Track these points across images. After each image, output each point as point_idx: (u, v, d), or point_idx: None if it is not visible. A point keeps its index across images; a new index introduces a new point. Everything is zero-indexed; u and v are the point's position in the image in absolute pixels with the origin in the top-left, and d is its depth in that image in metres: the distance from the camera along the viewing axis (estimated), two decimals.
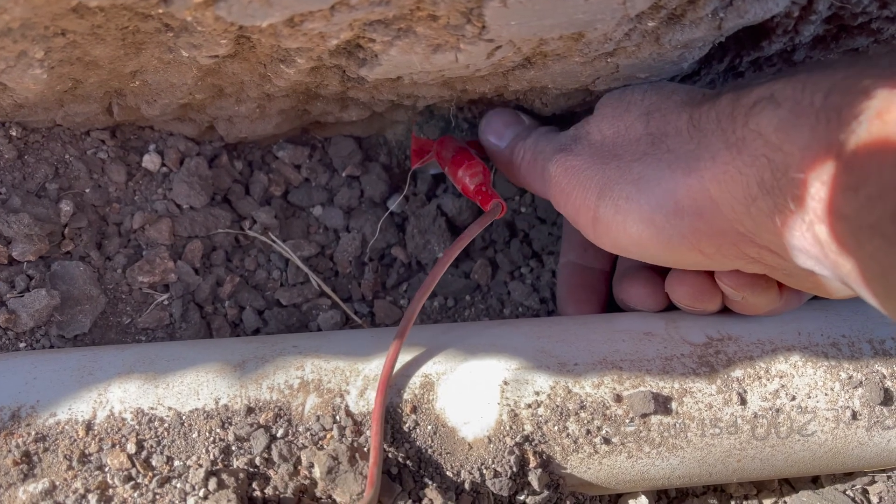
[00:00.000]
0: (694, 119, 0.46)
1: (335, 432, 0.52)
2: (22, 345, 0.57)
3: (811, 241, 0.39)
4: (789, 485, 0.67)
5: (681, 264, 0.52)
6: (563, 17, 0.43)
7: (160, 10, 0.41)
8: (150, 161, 0.67)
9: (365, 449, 0.52)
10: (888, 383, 0.57)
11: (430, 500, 0.51)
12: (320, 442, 0.52)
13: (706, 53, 0.54)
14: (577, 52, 0.50)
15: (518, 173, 0.61)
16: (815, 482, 0.67)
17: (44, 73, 0.48)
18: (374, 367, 0.55)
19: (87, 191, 0.64)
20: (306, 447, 0.52)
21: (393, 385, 0.54)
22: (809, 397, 0.56)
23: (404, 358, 0.56)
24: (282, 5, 0.39)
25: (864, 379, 0.57)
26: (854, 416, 0.56)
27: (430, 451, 0.53)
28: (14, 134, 0.61)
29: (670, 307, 0.61)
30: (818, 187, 0.36)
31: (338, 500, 0.50)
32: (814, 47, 0.58)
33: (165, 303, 0.65)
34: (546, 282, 0.76)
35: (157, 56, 0.51)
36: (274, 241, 0.70)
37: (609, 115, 0.53)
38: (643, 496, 0.60)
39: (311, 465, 0.51)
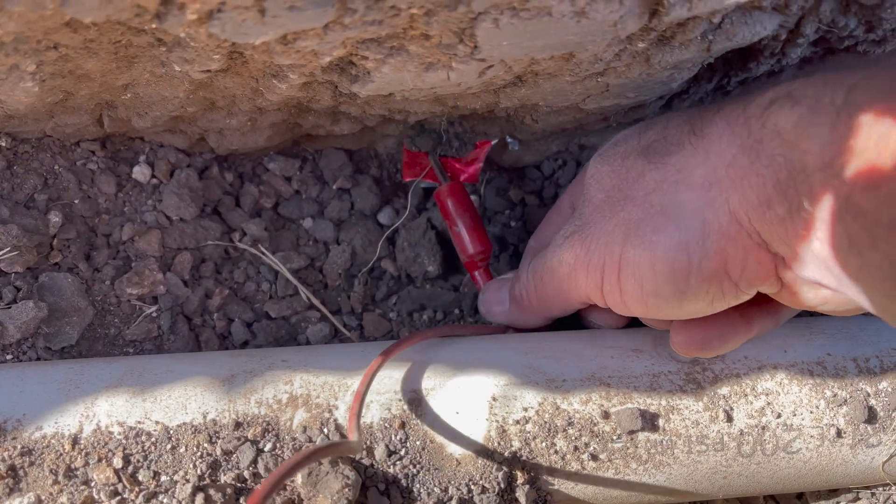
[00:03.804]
0: (696, 128, 0.44)
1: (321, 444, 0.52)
2: (8, 356, 0.57)
3: (823, 244, 0.38)
4: (774, 501, 0.67)
5: (695, 308, 0.47)
6: (554, 39, 0.44)
7: (154, 26, 0.41)
8: (141, 172, 0.67)
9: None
10: (872, 401, 0.57)
11: None
12: None
13: (695, 73, 0.55)
14: (567, 72, 0.50)
15: (536, 304, 0.59)
16: (800, 498, 0.67)
17: (35, 86, 0.48)
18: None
19: (77, 202, 0.64)
20: None
21: (382, 400, 0.54)
22: (795, 415, 0.56)
23: (394, 373, 0.56)
24: (275, 24, 0.39)
25: (848, 397, 0.57)
26: (839, 433, 0.57)
27: (418, 466, 0.53)
28: (3, 144, 0.60)
29: (633, 323, 0.61)
30: (837, 185, 0.35)
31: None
32: (801, 67, 0.58)
33: (154, 315, 0.64)
34: None
35: (150, 70, 0.51)
36: (263, 254, 0.70)
37: (605, 170, 0.51)
38: None
39: (295, 478, 0.51)
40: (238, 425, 0.52)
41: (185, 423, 0.52)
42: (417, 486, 0.52)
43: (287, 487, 0.51)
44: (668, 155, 0.46)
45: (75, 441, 0.50)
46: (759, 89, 0.42)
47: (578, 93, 0.55)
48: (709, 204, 0.43)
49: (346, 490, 0.49)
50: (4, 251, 0.56)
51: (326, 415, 0.53)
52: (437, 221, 0.75)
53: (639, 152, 0.49)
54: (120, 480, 0.49)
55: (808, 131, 0.37)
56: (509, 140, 0.72)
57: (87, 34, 0.44)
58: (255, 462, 0.51)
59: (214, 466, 0.51)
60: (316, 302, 0.71)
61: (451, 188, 0.69)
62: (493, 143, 0.72)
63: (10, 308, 0.57)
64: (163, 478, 0.50)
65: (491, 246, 0.70)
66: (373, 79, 0.49)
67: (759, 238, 0.42)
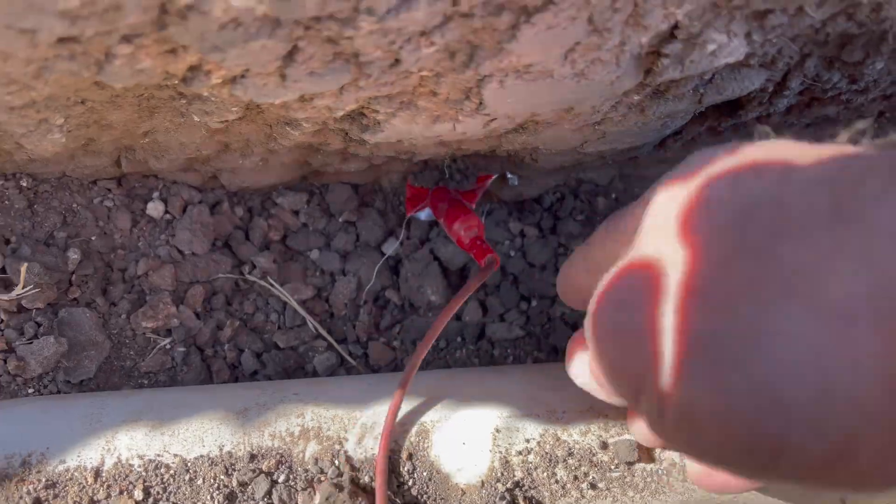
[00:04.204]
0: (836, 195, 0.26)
1: (332, 475, 0.55)
2: (30, 390, 0.59)
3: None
4: None
5: None
6: (555, 97, 0.47)
7: (179, 87, 0.44)
8: (155, 208, 0.69)
9: (363, 486, 0.54)
10: None
11: None
12: (321, 484, 0.54)
13: (688, 120, 0.58)
14: (567, 122, 0.53)
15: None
16: None
17: (62, 137, 0.51)
18: (370, 415, 0.57)
19: (94, 238, 0.66)
20: (306, 490, 0.54)
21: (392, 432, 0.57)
22: None
23: (402, 405, 0.58)
24: (295, 87, 0.42)
25: None
26: None
27: (425, 496, 0.55)
28: (24, 185, 0.63)
29: None
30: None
31: None
32: (788, 113, 0.61)
33: (167, 347, 0.67)
34: (535, 322, 0.79)
35: (169, 119, 0.53)
36: (272, 286, 0.72)
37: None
38: None
39: None
40: (253, 458, 0.55)
41: (202, 456, 0.54)
42: None
43: None
44: (781, 243, 0.26)
45: (97, 474, 0.53)
46: None
47: (577, 139, 0.57)
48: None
49: None
50: (27, 289, 0.59)
51: (337, 447, 0.56)
52: (440, 253, 0.78)
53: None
54: None
55: None
56: (509, 176, 0.74)
57: (114, 91, 0.47)
58: (269, 493, 0.53)
59: (231, 498, 0.53)
60: (323, 332, 0.73)
61: (436, 191, 0.71)
62: (494, 177, 0.74)
63: (31, 343, 0.59)
64: None
65: (481, 222, 0.66)
66: (383, 129, 0.52)
67: None
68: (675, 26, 0.42)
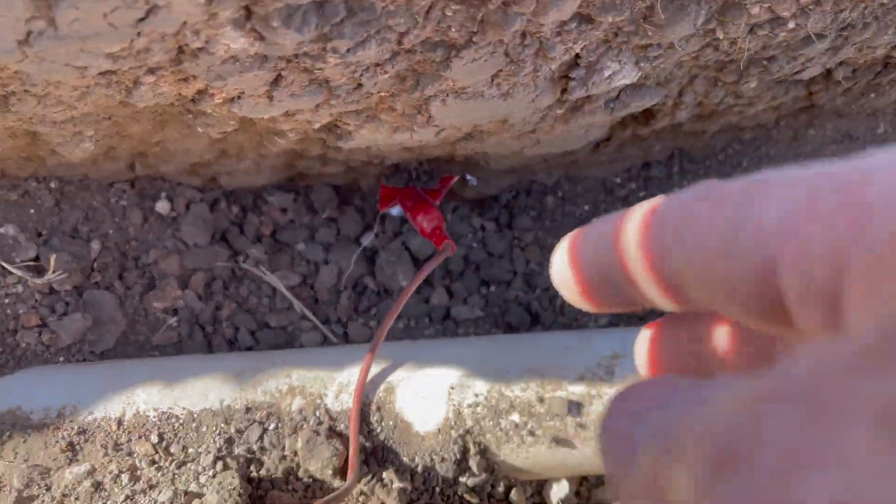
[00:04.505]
0: None
1: (313, 424, 0.66)
2: (61, 358, 0.70)
3: None
4: None
5: None
6: (488, 112, 0.58)
7: (188, 105, 0.56)
8: (162, 206, 0.81)
9: (338, 433, 0.65)
10: None
11: (390, 480, 0.65)
12: (302, 430, 0.66)
13: (609, 128, 0.70)
14: (505, 131, 0.65)
15: None
16: None
17: (91, 146, 0.62)
18: (346, 375, 0.69)
19: (111, 231, 0.77)
20: (291, 435, 0.66)
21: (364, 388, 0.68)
22: None
23: (373, 369, 0.70)
24: (280, 105, 0.54)
25: None
26: None
27: (390, 441, 0.67)
28: (53, 186, 0.74)
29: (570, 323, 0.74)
30: None
31: (311, 468, 0.63)
32: (696, 121, 0.73)
33: (174, 324, 0.78)
34: (493, 304, 0.90)
35: (178, 130, 0.65)
36: (264, 273, 0.84)
37: None
38: (565, 481, 0.74)
39: (295, 450, 0.64)
40: (248, 410, 0.66)
41: (206, 409, 0.66)
42: (390, 456, 0.66)
43: (287, 457, 0.64)
44: None
45: (120, 423, 0.64)
46: None
47: (517, 145, 0.69)
48: None
49: (334, 459, 0.63)
50: (57, 274, 0.70)
51: (318, 401, 0.67)
52: (410, 244, 0.90)
53: None
54: (157, 452, 0.63)
55: None
56: (468, 177, 0.86)
57: (135, 108, 0.58)
58: (261, 438, 0.65)
59: (230, 441, 0.64)
60: (308, 313, 0.84)
61: (405, 190, 0.83)
62: (456, 178, 0.86)
63: (62, 319, 0.70)
64: (190, 450, 0.63)
65: (441, 215, 0.77)
66: (353, 138, 0.64)
67: None
68: (577, 56, 0.54)
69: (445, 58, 0.50)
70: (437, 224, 0.77)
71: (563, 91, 0.59)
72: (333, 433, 0.65)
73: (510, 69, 0.53)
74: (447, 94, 0.55)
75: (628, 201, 0.84)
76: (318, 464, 0.63)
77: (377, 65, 0.50)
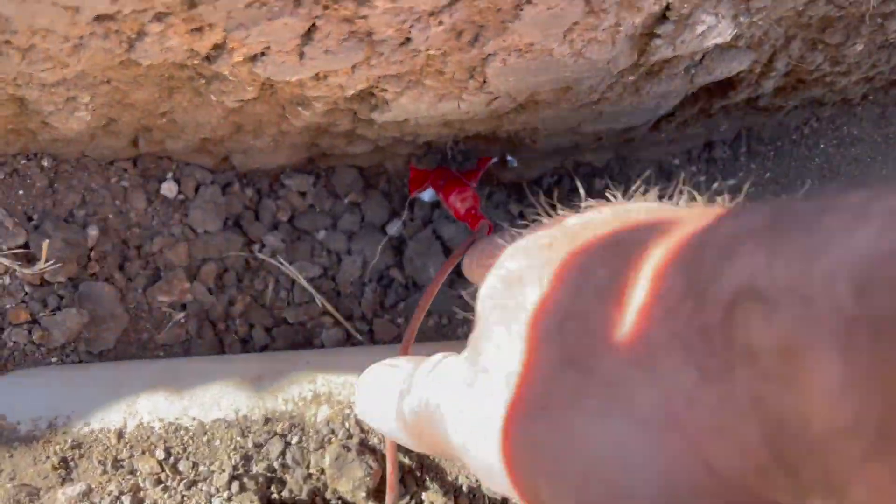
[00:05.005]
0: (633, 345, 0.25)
1: (342, 437, 0.57)
2: (53, 359, 0.62)
3: None
4: None
5: None
6: (553, 75, 0.50)
7: (198, 63, 0.47)
8: (169, 189, 0.72)
9: (371, 447, 0.57)
10: None
11: (432, 501, 0.56)
12: (330, 445, 0.57)
13: (680, 100, 0.61)
14: (565, 101, 0.56)
15: None
16: None
17: (87, 115, 0.53)
18: None
19: (111, 216, 0.69)
20: (317, 450, 0.57)
21: None
22: None
23: None
24: (311, 65, 0.45)
25: None
26: None
27: (431, 457, 0.58)
28: (45, 164, 0.66)
29: None
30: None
31: (341, 489, 0.55)
32: (776, 95, 0.64)
33: (182, 320, 0.70)
34: None
35: (188, 99, 0.56)
36: (282, 264, 0.75)
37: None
38: None
39: (322, 468, 0.56)
40: (267, 420, 0.58)
41: (219, 419, 0.57)
42: (431, 474, 0.58)
43: (312, 475, 0.56)
44: (594, 356, 0.26)
45: (120, 435, 0.56)
46: (712, 244, 0.24)
47: (574, 119, 0.60)
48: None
49: (367, 479, 0.55)
50: (49, 263, 0.61)
51: (347, 410, 0.59)
52: (442, 232, 0.81)
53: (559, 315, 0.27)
54: (163, 470, 0.54)
55: (800, 362, 0.21)
56: (509, 158, 0.77)
57: (138, 70, 0.49)
58: (283, 454, 0.56)
59: (247, 458, 0.56)
60: (331, 308, 0.76)
61: (437, 170, 0.75)
62: (495, 160, 0.77)
63: (55, 315, 0.62)
64: (201, 468, 0.55)
65: (476, 194, 0.69)
66: (390, 108, 0.55)
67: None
68: (667, 8, 0.45)
69: (516, 5, 0.41)
70: (473, 204, 0.68)
71: (642, 53, 0.50)
72: (366, 448, 0.57)
73: (588, 22, 0.44)
74: (509, 53, 0.47)
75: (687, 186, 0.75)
76: (349, 484, 0.54)
77: (432, 13, 0.41)
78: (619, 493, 0.26)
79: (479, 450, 0.29)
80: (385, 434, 0.41)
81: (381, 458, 0.57)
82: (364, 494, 0.55)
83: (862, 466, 0.20)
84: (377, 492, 0.56)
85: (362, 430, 0.58)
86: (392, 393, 0.38)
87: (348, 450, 0.56)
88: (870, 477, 0.20)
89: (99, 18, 0.38)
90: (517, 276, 0.30)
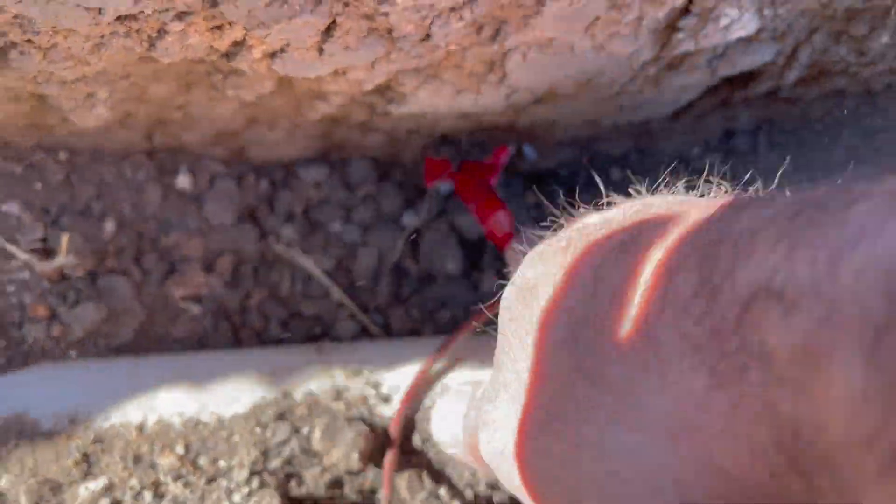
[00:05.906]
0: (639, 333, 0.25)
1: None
2: (73, 353, 0.62)
3: None
4: None
5: None
6: (574, 69, 0.49)
7: (216, 59, 0.46)
8: (184, 182, 0.72)
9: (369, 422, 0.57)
10: None
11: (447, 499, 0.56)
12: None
13: (700, 92, 0.60)
14: (584, 94, 0.56)
15: None
16: None
17: (106, 112, 0.53)
18: (395, 377, 0.60)
19: (127, 210, 0.69)
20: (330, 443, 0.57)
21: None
22: None
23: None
24: (331, 61, 0.45)
25: None
26: None
27: (439, 464, 0.58)
28: (62, 158, 0.65)
29: None
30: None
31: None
32: (798, 86, 0.63)
33: (198, 314, 0.70)
34: None
35: (205, 94, 0.56)
36: (297, 256, 0.75)
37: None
38: None
39: (331, 455, 0.56)
40: (284, 415, 0.58)
41: (237, 414, 0.57)
42: (448, 470, 0.58)
43: (326, 468, 0.56)
44: (605, 363, 0.26)
45: (141, 430, 0.56)
46: (726, 241, 0.22)
47: (595, 112, 0.60)
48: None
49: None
50: (68, 257, 0.62)
51: (363, 405, 0.59)
52: (458, 224, 0.80)
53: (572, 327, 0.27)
54: (183, 465, 0.55)
55: (818, 368, 0.19)
56: (525, 149, 0.77)
57: (157, 66, 0.49)
58: (301, 449, 0.56)
59: (265, 454, 0.56)
60: (347, 301, 0.76)
61: (463, 170, 0.74)
62: (512, 150, 0.77)
63: (74, 309, 0.62)
64: (221, 463, 0.55)
65: (512, 215, 0.68)
66: (408, 102, 0.55)
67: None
68: (690, 1, 0.44)
69: (538, 0, 0.41)
70: (509, 231, 0.66)
71: (664, 46, 0.49)
72: (379, 438, 0.57)
73: (610, 16, 0.43)
74: (529, 48, 0.46)
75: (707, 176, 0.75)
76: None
77: (453, 9, 0.41)
78: (634, 501, 0.25)
79: (500, 462, 0.31)
80: (460, 460, 0.46)
81: (380, 433, 0.57)
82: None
83: (876, 482, 0.19)
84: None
85: (380, 420, 0.58)
86: (459, 417, 0.43)
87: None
88: (885, 494, 0.19)
89: (121, 18, 0.38)
90: (532, 285, 0.30)
